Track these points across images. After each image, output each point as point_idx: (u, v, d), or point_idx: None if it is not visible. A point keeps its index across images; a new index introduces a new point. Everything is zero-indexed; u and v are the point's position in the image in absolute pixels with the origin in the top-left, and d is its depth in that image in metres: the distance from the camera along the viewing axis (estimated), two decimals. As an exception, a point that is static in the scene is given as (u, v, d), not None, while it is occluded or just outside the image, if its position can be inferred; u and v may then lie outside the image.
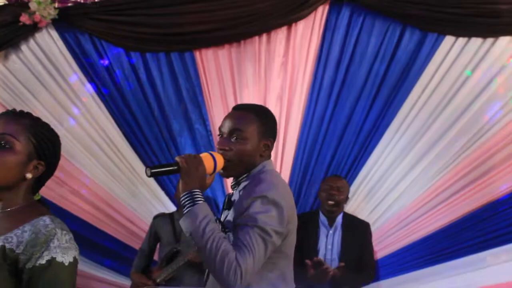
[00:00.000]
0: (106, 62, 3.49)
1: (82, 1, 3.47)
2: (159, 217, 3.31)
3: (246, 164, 1.64)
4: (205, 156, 1.57)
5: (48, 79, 3.44)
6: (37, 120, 1.37)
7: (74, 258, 1.26)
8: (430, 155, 3.31)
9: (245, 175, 1.66)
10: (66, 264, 1.23)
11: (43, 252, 1.21)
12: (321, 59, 3.34)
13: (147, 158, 3.52)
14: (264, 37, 3.36)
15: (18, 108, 1.39)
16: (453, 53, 3.28)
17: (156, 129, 3.50)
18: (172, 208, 3.50)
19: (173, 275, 3.08)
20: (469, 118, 3.29)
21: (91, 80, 3.48)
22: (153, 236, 3.28)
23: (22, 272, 1.22)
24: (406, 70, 3.32)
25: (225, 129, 1.65)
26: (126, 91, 3.49)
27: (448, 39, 3.28)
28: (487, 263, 3.25)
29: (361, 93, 3.34)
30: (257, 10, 3.27)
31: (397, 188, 3.23)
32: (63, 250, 1.23)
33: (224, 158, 1.61)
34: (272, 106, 3.37)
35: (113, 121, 3.48)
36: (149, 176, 1.52)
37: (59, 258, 1.22)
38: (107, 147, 3.49)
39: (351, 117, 3.35)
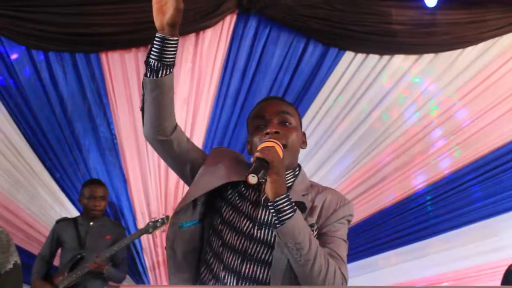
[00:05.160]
0: (6, 59, 3.34)
1: (-20, -5, 3.32)
2: (62, 221, 3.23)
3: (296, 155, 1.50)
4: (277, 147, 1.34)
5: None
6: None
7: None
8: (329, 164, 3.50)
9: (291, 171, 1.50)
10: (20, 264, 1.31)
11: (8, 257, 1.24)
12: (227, 67, 3.42)
13: (48, 160, 3.42)
14: (172, 42, 3.37)
15: None
16: (353, 68, 3.48)
17: (58, 131, 3.42)
18: (73, 211, 3.42)
19: (76, 282, 3.02)
20: (367, 127, 3.50)
21: (-12, 78, 3.34)
22: (55, 241, 3.20)
23: None
24: (309, 81, 3.48)
25: (270, 113, 1.47)
26: (26, 90, 3.37)
27: (348, 54, 3.47)
28: (379, 266, 3.49)
29: (265, 102, 3.45)
30: (164, 16, 3.28)
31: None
32: (16, 253, 1.29)
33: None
34: (179, 110, 3.39)
35: (11, 121, 3.36)
36: (256, 183, 1.24)
37: (18, 260, 1.29)
38: (5, 147, 3.35)
39: (256, 125, 3.44)
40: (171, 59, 1.35)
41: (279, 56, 3.44)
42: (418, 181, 3.55)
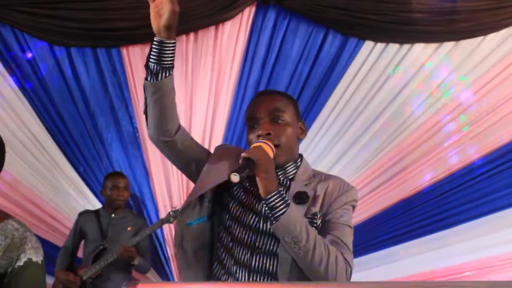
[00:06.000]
0: (29, 55, 3.40)
1: (4, -8, 3.36)
2: (84, 213, 3.30)
3: (293, 149, 1.53)
4: (264, 146, 1.38)
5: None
6: None
7: (43, 257, 1.32)
8: (351, 153, 3.49)
9: (292, 162, 1.53)
10: (40, 263, 1.29)
11: (20, 255, 1.25)
12: (247, 59, 3.42)
13: (71, 154, 3.47)
14: (192, 36, 3.40)
15: None
16: (372, 57, 3.45)
17: (81, 125, 3.47)
18: (97, 204, 3.47)
19: (99, 272, 3.08)
20: (387, 117, 3.48)
21: (12, 74, 3.39)
22: (78, 233, 3.26)
23: (2, 277, 1.23)
24: (329, 71, 3.46)
25: (261, 112, 1.48)
26: (50, 86, 3.42)
27: (368, 44, 3.45)
28: (400, 256, 3.48)
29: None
30: (184, 10, 3.27)
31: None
32: (36, 251, 1.28)
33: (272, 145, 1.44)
34: (199, 104, 3.42)
35: (36, 116, 3.42)
36: (238, 182, 1.28)
37: (34, 259, 1.28)
38: (29, 142, 3.41)
39: (276, 116, 3.44)
40: (169, 62, 1.39)
41: (298, 47, 3.42)
42: (439, 171, 3.52)
